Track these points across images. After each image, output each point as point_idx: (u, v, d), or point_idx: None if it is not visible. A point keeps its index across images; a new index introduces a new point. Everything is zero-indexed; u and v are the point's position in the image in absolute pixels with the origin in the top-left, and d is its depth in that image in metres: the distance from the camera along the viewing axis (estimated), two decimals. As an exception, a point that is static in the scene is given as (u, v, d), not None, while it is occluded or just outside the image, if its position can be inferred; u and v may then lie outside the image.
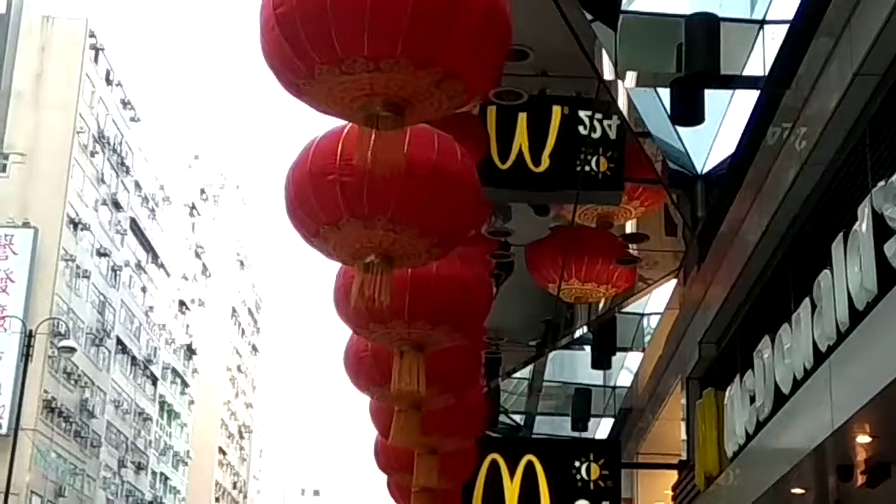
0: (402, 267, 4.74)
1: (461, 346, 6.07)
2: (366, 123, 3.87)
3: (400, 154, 4.02)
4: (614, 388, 15.94)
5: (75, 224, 51.01)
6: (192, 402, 76.73)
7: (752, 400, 8.44)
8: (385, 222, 4.41)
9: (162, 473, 69.45)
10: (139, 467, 62.97)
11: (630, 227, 10.51)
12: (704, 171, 9.88)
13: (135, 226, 60.23)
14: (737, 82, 8.75)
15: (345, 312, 5.45)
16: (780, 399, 7.70)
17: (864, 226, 6.05)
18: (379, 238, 4.48)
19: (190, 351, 75.81)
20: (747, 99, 8.63)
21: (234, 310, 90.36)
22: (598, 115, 8.58)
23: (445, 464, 7.20)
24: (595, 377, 15.75)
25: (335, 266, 5.38)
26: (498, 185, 8.30)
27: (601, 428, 17.07)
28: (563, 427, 17.65)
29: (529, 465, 11.48)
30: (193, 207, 79.16)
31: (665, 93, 8.41)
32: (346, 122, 4.31)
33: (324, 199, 4.39)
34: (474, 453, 8.24)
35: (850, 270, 6.27)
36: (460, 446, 7.45)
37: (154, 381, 66.25)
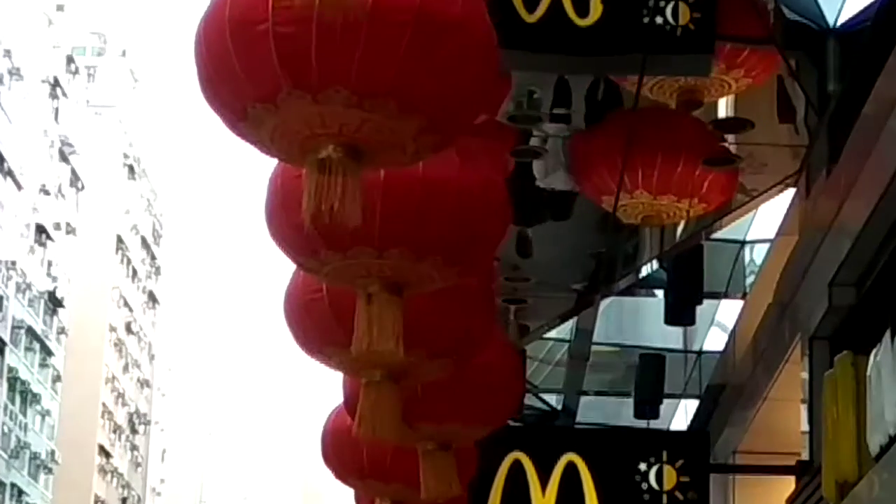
0: (376, 164, 4.71)
1: (462, 287, 5.99)
2: None
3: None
4: (700, 353, 16.06)
5: None
6: (57, 379, 77.23)
7: (910, 369, 8.53)
8: (346, 95, 4.36)
9: (14, 485, 70.07)
10: (-21, 476, 63.61)
11: (726, 109, 10.52)
12: (839, 24, 9.88)
13: (-32, 112, 60.32)
14: None
15: (282, 236, 5.38)
16: (951, 368, 7.78)
17: None
18: (339, 119, 4.45)
19: (54, 302, 76.14)
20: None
21: (119, 239, 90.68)
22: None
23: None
24: (671, 338, 15.87)
25: (268, 170, 5.37)
26: (523, 45, 8.31)
27: (679, 414, 17.25)
28: (621, 413, 17.80)
29: (570, 468, 11.57)
30: (56, 85, 79.01)
31: None
32: None
33: (252, 63, 4.37)
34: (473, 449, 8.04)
35: None
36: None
37: (0, 347, 66.64)
